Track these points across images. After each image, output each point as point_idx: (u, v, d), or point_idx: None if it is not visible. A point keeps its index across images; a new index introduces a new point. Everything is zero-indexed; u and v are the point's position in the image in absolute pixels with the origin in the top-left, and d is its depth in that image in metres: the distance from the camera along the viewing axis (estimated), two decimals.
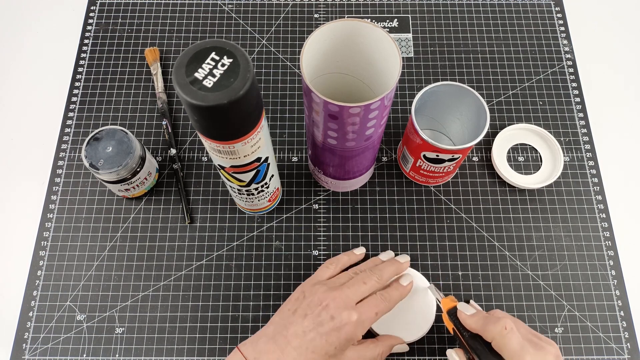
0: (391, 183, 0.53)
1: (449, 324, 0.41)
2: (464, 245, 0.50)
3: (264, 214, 0.52)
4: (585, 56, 0.60)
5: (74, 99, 0.57)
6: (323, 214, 0.52)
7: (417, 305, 0.45)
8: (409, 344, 0.44)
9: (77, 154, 0.54)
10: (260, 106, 0.34)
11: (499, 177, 0.53)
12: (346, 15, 0.61)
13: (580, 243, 0.50)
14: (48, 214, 0.52)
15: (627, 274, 0.49)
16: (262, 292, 0.49)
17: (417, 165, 0.49)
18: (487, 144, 0.54)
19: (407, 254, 0.48)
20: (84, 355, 0.46)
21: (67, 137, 0.55)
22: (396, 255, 0.47)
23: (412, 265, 0.49)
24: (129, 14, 0.61)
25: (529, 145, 0.55)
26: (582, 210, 0.52)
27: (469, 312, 0.39)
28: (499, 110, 0.56)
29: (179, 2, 0.62)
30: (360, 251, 0.48)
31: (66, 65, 0.59)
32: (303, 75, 0.35)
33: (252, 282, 0.49)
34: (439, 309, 0.46)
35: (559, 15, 0.61)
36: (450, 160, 0.46)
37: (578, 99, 0.57)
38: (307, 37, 0.59)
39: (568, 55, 0.59)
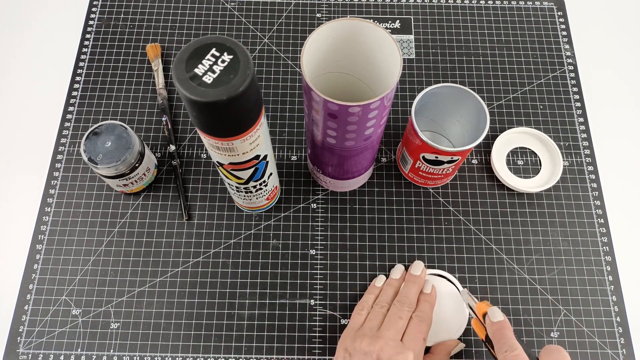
0: (390, 184, 0.53)
1: (479, 331, 0.40)
2: (461, 248, 0.50)
3: (262, 212, 0.52)
4: (586, 61, 0.60)
5: (74, 93, 0.57)
6: (321, 214, 0.52)
7: (449, 307, 0.45)
8: None
9: (76, 148, 0.54)
10: (260, 103, 0.34)
11: (497, 180, 0.53)
12: (348, 16, 0.61)
13: (577, 248, 0.50)
14: (46, 208, 0.51)
15: (624, 279, 0.49)
16: (258, 291, 0.49)
17: (416, 166, 0.49)
18: (486, 147, 0.54)
19: (418, 261, 0.47)
20: (79, 349, 0.46)
21: (67, 131, 0.55)
22: (405, 265, 0.47)
23: (408, 267, 0.49)
24: (131, 10, 0.61)
25: (529, 149, 0.54)
26: (581, 215, 0.52)
27: (495, 319, 0.39)
28: (499, 113, 0.56)
29: None
30: (398, 274, 0.46)
31: (67, 60, 0.59)
32: (303, 73, 0.35)
33: (249, 280, 0.49)
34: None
35: (562, 19, 0.61)
36: (449, 162, 0.46)
37: (578, 104, 0.57)
38: (308, 36, 0.59)
39: (569, 60, 0.59)
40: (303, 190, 0.53)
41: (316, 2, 0.62)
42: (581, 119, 0.56)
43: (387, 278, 0.47)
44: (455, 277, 0.49)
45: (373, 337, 0.39)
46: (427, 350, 0.44)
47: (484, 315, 0.40)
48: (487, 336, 0.39)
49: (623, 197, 0.53)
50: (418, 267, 0.45)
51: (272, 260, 0.50)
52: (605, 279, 0.49)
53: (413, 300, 0.43)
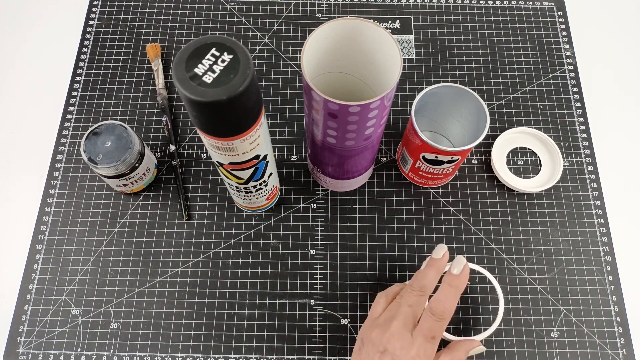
0: (390, 184, 0.53)
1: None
2: (461, 248, 0.50)
3: (262, 212, 0.52)
4: (586, 61, 0.60)
5: (74, 93, 0.57)
6: (321, 214, 0.52)
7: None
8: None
9: (76, 148, 0.54)
10: (260, 103, 0.34)
11: (497, 180, 0.53)
12: (348, 16, 0.61)
13: (577, 248, 0.50)
14: (46, 208, 0.51)
15: (624, 279, 0.49)
16: (258, 291, 0.49)
17: (416, 166, 0.49)
18: (486, 147, 0.54)
19: (442, 244, 0.42)
20: (79, 349, 0.46)
21: (67, 131, 0.55)
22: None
23: (409, 267, 0.49)
24: (131, 10, 0.61)
25: (529, 149, 0.54)
26: (581, 215, 0.52)
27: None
28: (499, 113, 0.56)
29: None
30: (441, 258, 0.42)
31: (67, 60, 0.59)
32: (303, 73, 0.35)
33: (249, 280, 0.49)
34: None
35: (562, 19, 0.61)
36: (449, 162, 0.46)
37: (579, 104, 0.57)
38: (308, 36, 0.59)
39: (569, 60, 0.59)
40: (303, 190, 0.53)
41: (316, 2, 0.62)
42: (581, 119, 0.56)
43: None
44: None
45: (383, 328, 0.38)
46: (446, 343, 0.43)
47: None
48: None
49: (623, 197, 0.53)
50: (440, 250, 0.41)
51: (272, 260, 0.50)
52: (605, 279, 0.49)
53: (427, 284, 0.39)
